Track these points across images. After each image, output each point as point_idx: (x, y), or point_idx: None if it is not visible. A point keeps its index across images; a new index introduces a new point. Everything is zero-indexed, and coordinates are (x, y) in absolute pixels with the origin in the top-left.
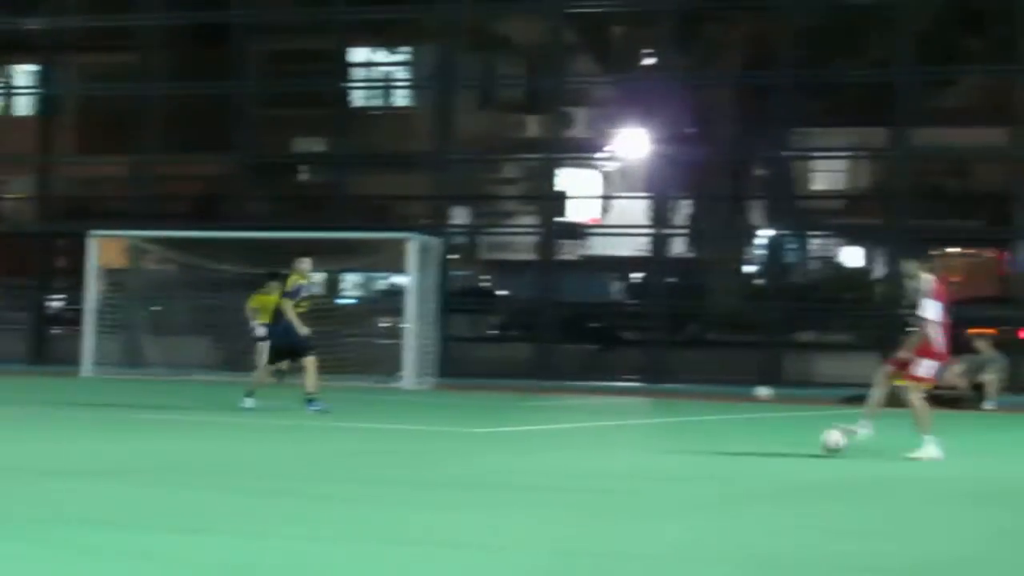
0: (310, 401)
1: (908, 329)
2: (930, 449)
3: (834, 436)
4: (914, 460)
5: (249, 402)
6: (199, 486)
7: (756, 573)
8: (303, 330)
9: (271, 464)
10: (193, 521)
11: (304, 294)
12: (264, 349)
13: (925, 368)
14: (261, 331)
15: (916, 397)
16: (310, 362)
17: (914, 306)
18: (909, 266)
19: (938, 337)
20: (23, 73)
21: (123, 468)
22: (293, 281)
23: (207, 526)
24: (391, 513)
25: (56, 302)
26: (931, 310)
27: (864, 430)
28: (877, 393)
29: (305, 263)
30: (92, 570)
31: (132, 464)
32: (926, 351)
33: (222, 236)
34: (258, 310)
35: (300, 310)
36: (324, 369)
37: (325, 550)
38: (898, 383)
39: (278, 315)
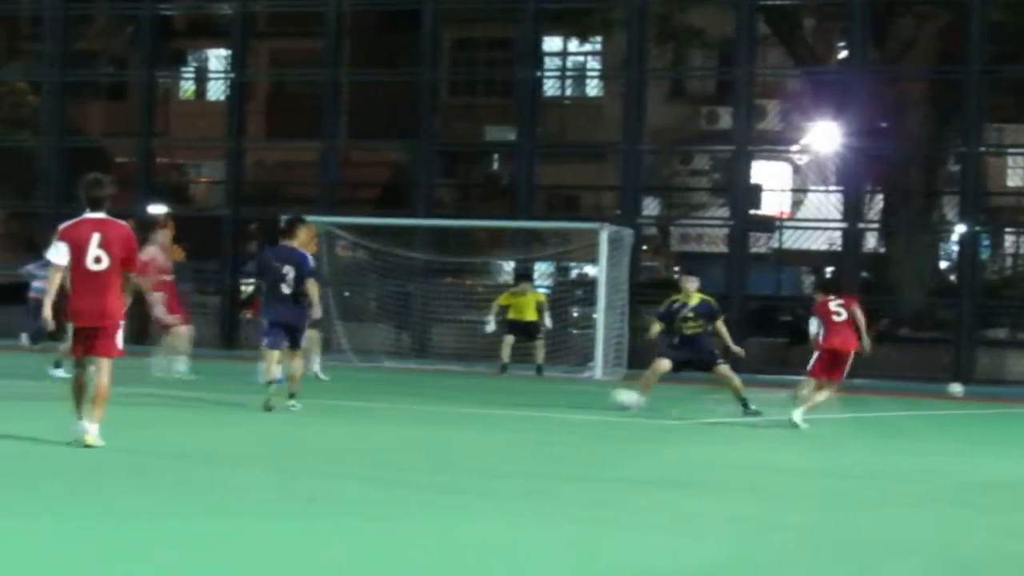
0: (744, 403)
1: None
2: (797, 416)
3: (627, 397)
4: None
5: (754, 406)
6: (379, 474)
7: (940, 570)
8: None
9: (452, 451)
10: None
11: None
12: (508, 342)
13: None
14: (491, 327)
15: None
16: (722, 371)
17: None
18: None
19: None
20: (214, 58)
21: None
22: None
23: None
24: (582, 501)
25: (247, 287)
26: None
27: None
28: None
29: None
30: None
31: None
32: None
33: (410, 223)
34: (506, 307)
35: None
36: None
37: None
38: None
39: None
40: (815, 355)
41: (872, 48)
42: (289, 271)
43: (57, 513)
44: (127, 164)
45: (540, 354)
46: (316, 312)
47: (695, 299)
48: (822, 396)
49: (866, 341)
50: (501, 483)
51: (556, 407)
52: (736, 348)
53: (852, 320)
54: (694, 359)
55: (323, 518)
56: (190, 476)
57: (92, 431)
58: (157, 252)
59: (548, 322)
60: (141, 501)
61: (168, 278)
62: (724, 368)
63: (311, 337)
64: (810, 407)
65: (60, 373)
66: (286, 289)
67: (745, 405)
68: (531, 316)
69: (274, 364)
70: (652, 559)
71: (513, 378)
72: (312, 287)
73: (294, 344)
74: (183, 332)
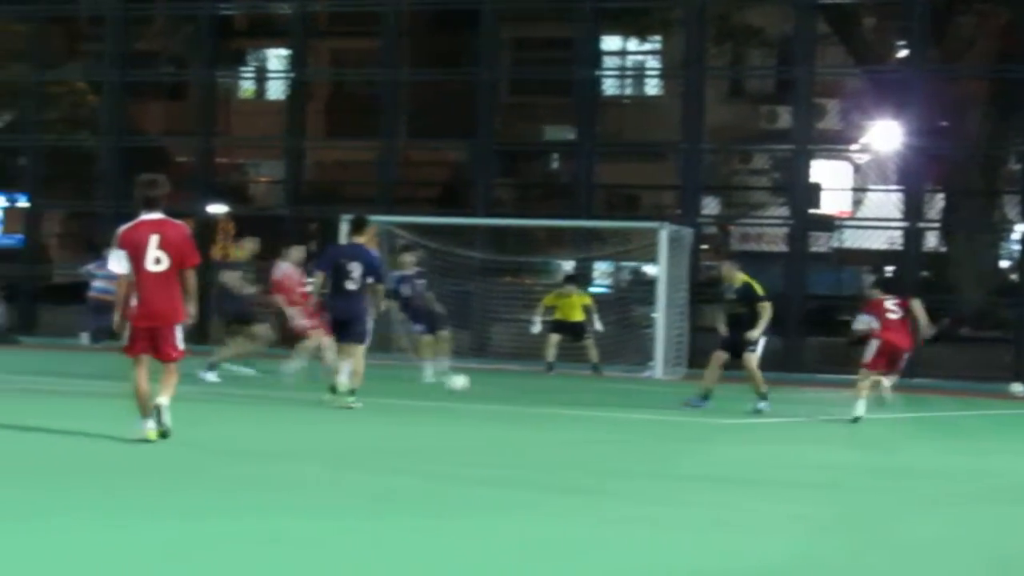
0: (762, 397)
1: None
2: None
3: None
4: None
5: (761, 405)
6: (439, 472)
7: (999, 572)
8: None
9: (506, 450)
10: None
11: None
12: (553, 341)
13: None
14: (537, 327)
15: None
16: (747, 359)
17: None
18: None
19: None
20: (274, 57)
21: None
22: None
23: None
24: (640, 501)
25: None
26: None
27: None
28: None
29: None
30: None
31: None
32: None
33: (469, 223)
34: (552, 308)
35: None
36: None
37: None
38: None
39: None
40: (873, 345)
41: (932, 47)
42: (356, 268)
43: (115, 512)
44: (186, 164)
45: (593, 353)
46: (376, 311)
47: (738, 281)
48: (885, 385)
49: (926, 331)
50: (557, 481)
51: (614, 406)
52: (753, 335)
53: (907, 320)
54: (737, 345)
55: (381, 516)
56: (250, 474)
57: (163, 400)
58: (291, 269)
59: (598, 325)
60: (199, 499)
61: (305, 290)
62: (751, 357)
63: (441, 337)
64: (866, 394)
65: (245, 370)
66: (351, 286)
67: (763, 398)
68: (576, 317)
69: (338, 357)
70: (712, 558)
71: (570, 377)
72: (380, 290)
73: (356, 339)
74: (324, 340)
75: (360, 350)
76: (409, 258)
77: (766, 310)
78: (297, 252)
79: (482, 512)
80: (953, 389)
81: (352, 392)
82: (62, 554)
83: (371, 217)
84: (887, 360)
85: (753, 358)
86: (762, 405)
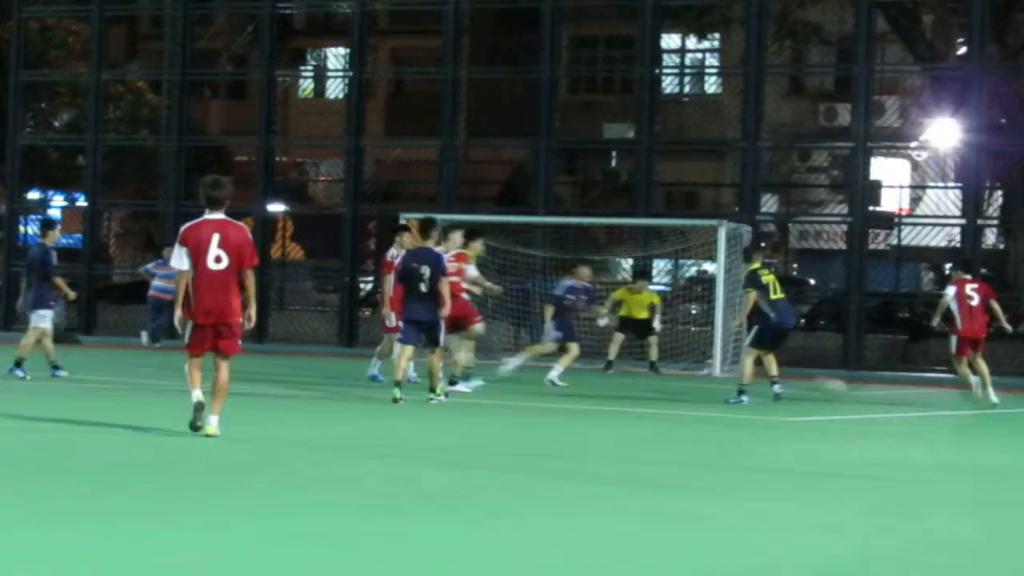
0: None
1: None
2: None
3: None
4: None
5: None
6: (501, 468)
7: None
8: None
9: (579, 448)
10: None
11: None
12: (618, 340)
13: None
14: (603, 321)
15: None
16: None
17: None
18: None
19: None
20: (333, 56)
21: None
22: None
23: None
24: (700, 498)
25: (367, 285)
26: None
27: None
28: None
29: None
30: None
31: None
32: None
33: (529, 221)
34: (619, 303)
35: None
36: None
37: (636, 531)
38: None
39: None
40: (954, 341)
41: (992, 44)
42: (426, 271)
43: (199, 511)
44: (246, 163)
45: (653, 351)
46: (445, 311)
47: None
48: (983, 368)
49: (1005, 325)
50: (621, 476)
51: (676, 403)
52: (732, 323)
53: (985, 307)
54: None
55: (439, 515)
56: (306, 472)
57: (212, 422)
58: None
59: (658, 325)
60: (253, 499)
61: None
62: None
63: (570, 347)
64: (985, 383)
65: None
66: (424, 288)
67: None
68: (642, 314)
69: (405, 360)
70: (774, 556)
71: (631, 375)
72: (445, 286)
73: (432, 341)
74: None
75: (438, 351)
76: (586, 271)
77: (744, 300)
78: (457, 237)
79: (543, 511)
80: (1013, 387)
81: (432, 389)
82: (132, 553)
83: (432, 216)
84: (969, 347)
85: (744, 348)
86: (740, 398)
